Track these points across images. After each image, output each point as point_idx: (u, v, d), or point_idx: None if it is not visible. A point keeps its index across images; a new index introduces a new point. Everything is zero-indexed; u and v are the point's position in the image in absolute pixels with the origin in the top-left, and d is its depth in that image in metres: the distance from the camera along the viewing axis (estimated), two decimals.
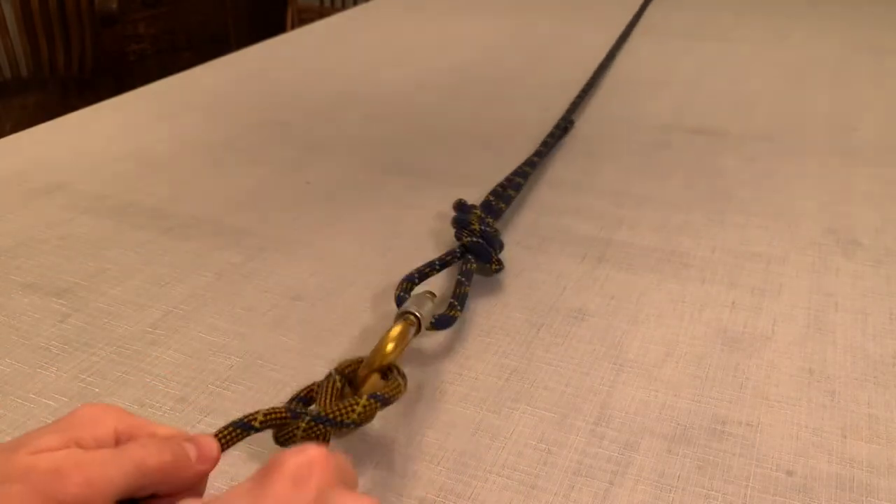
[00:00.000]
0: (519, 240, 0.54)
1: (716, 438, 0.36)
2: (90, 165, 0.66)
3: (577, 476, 0.34)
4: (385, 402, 0.33)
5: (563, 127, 0.71)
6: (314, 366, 0.41)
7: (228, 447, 0.30)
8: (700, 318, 0.45)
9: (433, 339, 0.43)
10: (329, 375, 0.34)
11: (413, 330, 0.38)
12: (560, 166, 0.66)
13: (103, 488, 0.24)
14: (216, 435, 0.30)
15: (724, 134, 0.73)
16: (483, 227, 0.49)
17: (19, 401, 0.38)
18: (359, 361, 0.36)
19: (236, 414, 0.32)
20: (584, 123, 0.74)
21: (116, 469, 0.25)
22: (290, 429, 0.32)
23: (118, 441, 0.26)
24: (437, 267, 0.46)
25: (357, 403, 0.32)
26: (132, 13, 2.20)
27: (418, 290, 0.43)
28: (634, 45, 1.04)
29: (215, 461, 0.28)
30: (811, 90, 0.85)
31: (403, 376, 0.35)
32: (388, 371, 0.35)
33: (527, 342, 0.43)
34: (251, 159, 0.67)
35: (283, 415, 0.32)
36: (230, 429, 0.30)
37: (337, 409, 0.32)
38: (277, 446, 0.32)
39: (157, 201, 0.59)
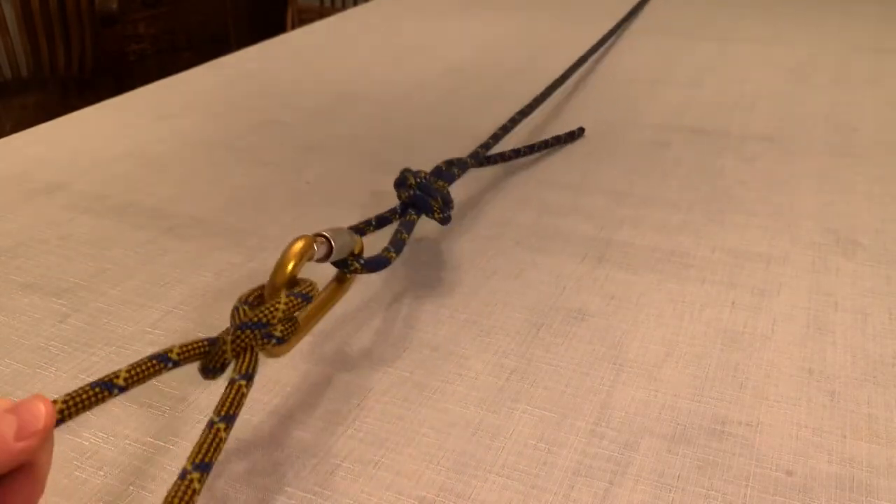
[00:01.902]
0: (519, 240, 0.54)
1: (716, 438, 0.36)
2: (90, 165, 0.66)
3: (577, 476, 0.34)
4: (305, 298, 0.32)
5: (571, 133, 0.71)
6: (315, 365, 0.41)
7: (144, 381, 0.27)
8: (700, 318, 0.45)
9: (431, 334, 0.43)
10: (235, 308, 0.32)
11: (323, 251, 0.36)
12: (560, 166, 0.66)
13: None
14: (136, 365, 0.27)
15: (724, 134, 0.73)
16: (419, 180, 0.49)
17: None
18: (260, 288, 0.34)
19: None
20: (584, 123, 0.74)
21: None
22: (217, 353, 0.30)
23: None
24: (374, 224, 0.46)
25: (279, 301, 0.31)
26: (132, 13, 2.20)
27: None
28: (634, 43, 1.04)
29: (42, 434, 0.23)
30: (811, 90, 0.85)
31: (310, 281, 0.34)
32: (294, 285, 0.33)
33: (527, 342, 0.43)
34: (251, 159, 0.67)
35: (203, 345, 0.30)
36: (146, 361, 0.27)
37: (259, 312, 0.30)
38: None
39: (157, 201, 0.59)
